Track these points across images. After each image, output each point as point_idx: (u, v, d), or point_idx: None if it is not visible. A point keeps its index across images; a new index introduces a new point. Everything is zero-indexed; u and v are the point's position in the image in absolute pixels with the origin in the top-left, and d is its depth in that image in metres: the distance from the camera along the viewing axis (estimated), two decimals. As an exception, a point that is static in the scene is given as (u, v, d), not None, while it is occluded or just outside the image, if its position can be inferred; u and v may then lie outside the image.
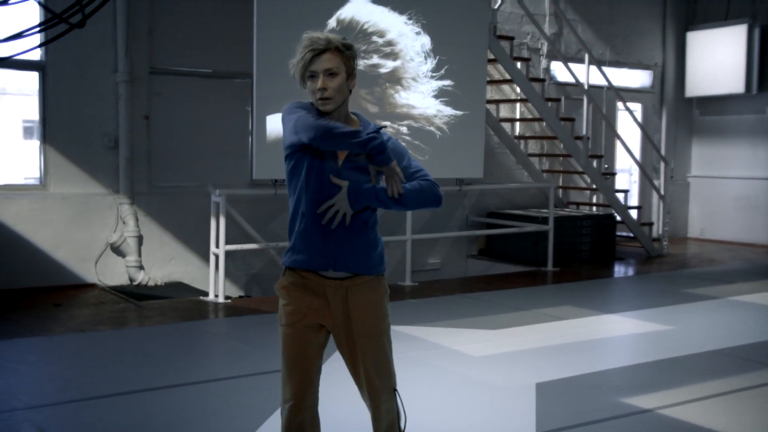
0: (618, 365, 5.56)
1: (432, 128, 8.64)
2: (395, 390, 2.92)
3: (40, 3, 3.47)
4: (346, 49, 2.78)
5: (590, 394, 4.85)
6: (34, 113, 8.05)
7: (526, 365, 5.46)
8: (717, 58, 12.32)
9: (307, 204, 2.79)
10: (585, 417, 4.42)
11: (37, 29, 3.03)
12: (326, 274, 2.83)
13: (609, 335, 6.51)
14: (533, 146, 11.32)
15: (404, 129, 8.45)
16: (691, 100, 12.98)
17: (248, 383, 4.92)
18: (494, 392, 4.87)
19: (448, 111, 8.70)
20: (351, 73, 2.79)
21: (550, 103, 10.32)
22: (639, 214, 11.35)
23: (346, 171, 2.79)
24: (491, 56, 9.61)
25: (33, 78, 7.97)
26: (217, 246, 7.48)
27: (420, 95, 8.48)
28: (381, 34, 8.17)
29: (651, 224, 11.50)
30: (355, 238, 2.81)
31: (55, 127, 7.93)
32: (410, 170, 2.86)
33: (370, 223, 2.85)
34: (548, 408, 4.55)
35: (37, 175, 8.08)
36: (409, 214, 8.63)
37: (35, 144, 8.17)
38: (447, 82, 8.66)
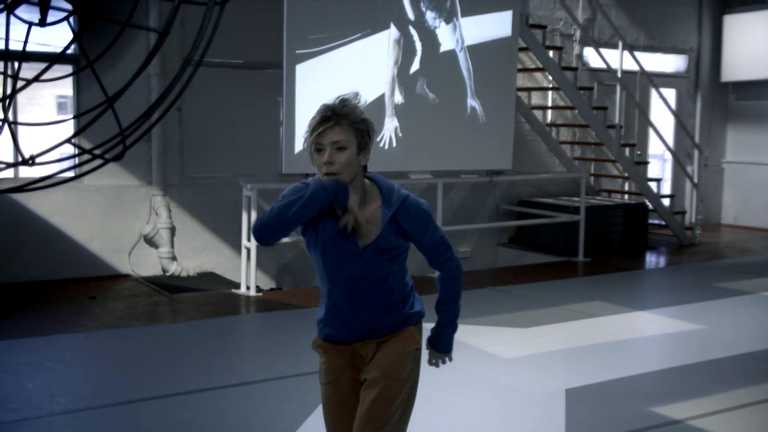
0: (648, 369, 5.52)
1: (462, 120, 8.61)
2: None
3: (74, 145, 3.52)
4: (360, 123, 2.60)
5: (620, 401, 4.85)
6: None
7: (556, 369, 5.46)
8: (754, 42, 12.08)
9: (333, 285, 2.71)
10: (614, 428, 4.42)
11: (73, 167, 3.10)
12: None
13: (640, 335, 6.49)
14: (565, 134, 11.23)
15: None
16: (726, 84, 12.76)
17: (280, 386, 4.98)
18: (524, 398, 4.88)
19: (478, 102, 8.66)
20: (364, 147, 2.62)
21: (582, 92, 10.22)
22: (672, 203, 11.24)
23: (369, 253, 2.67)
24: (523, 45, 9.52)
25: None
26: (249, 240, 7.54)
27: (451, 87, 8.45)
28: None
29: (684, 213, 11.39)
30: (386, 307, 2.74)
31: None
32: (432, 245, 2.76)
33: (397, 285, 2.75)
34: (578, 417, 4.56)
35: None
36: (439, 203, 8.61)
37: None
38: (477, 73, 8.60)
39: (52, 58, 7.55)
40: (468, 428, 4.44)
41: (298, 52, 7.49)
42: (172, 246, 8.37)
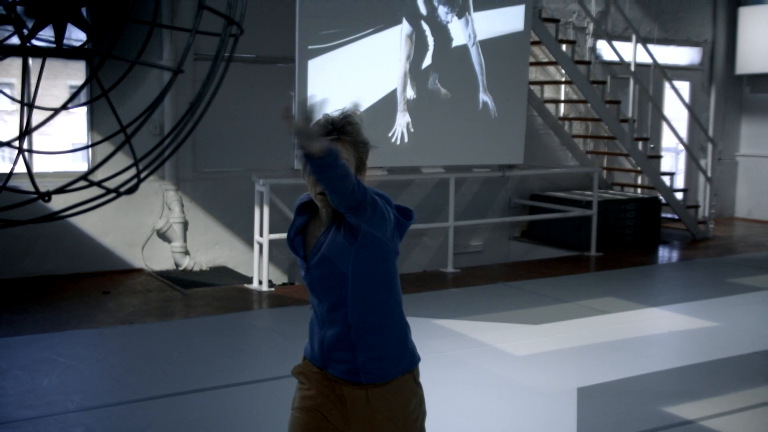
0: (661, 368, 5.51)
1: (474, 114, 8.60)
2: None
3: (89, 180, 3.55)
4: (362, 143, 2.37)
5: (632, 401, 4.84)
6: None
7: (568, 367, 5.46)
8: (770, 34, 12.00)
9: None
10: (626, 428, 4.43)
11: (91, 206, 3.15)
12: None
13: (652, 332, 6.47)
14: (578, 127, 11.18)
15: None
16: (741, 77, 12.67)
17: (292, 384, 4.97)
18: (535, 397, 4.89)
19: (490, 97, 8.64)
20: (361, 168, 2.38)
21: (595, 86, 10.18)
22: (685, 196, 11.19)
23: (317, 267, 2.41)
24: (536, 38, 9.49)
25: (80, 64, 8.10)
26: (261, 235, 7.57)
27: (463, 82, 8.44)
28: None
29: (697, 207, 11.33)
30: (359, 337, 2.39)
31: (102, 115, 8.02)
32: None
33: (377, 313, 2.42)
34: (589, 416, 4.56)
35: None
36: (451, 198, 8.60)
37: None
38: (489, 68, 8.58)
39: (65, 55, 7.63)
40: (478, 426, 4.45)
41: (310, 47, 7.49)
42: (185, 240, 8.40)
